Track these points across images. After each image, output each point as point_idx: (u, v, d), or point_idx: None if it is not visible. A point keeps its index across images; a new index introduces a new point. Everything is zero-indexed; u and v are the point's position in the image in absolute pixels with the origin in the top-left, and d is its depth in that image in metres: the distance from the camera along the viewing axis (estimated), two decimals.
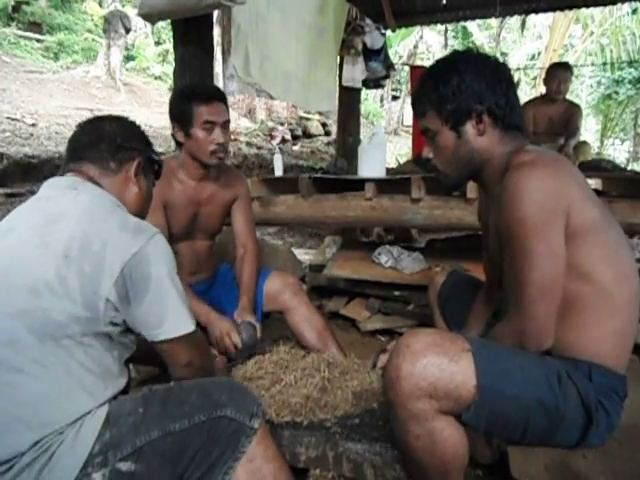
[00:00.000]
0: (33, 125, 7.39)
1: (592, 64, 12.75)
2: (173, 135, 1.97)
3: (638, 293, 1.23)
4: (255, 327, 1.95)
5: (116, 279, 1.08)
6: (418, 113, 1.37)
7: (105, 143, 1.27)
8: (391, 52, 6.86)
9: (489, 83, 1.26)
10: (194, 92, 1.92)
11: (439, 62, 1.38)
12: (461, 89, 1.26)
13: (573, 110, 4.17)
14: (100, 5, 14.37)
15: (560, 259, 1.14)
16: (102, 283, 1.07)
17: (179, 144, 1.98)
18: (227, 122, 1.95)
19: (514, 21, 12.50)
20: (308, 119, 11.33)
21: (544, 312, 1.15)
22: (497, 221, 1.27)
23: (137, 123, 1.40)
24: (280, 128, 10.38)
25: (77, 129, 1.32)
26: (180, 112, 1.92)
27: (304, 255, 4.32)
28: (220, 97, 1.95)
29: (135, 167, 1.30)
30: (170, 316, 1.16)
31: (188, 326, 1.19)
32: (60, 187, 1.21)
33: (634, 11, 11.70)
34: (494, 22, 11.65)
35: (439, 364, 1.11)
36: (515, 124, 1.31)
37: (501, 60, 1.36)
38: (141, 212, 1.35)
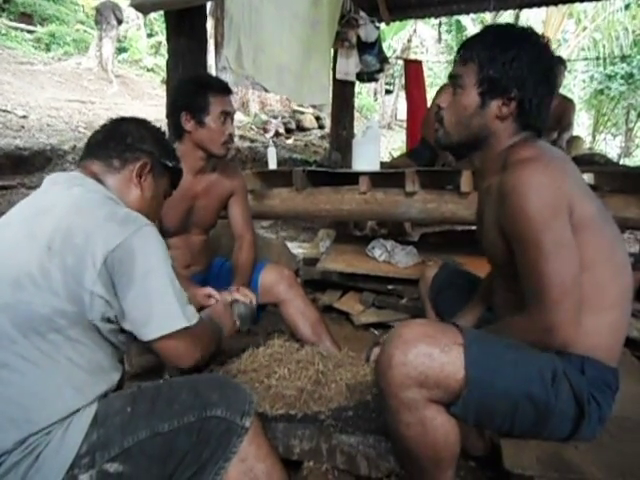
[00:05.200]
0: (24, 117, 7.32)
1: (585, 59, 12.79)
2: (175, 125, 1.96)
3: (631, 287, 1.24)
4: (248, 300, 1.86)
5: (99, 271, 1.05)
6: (461, 57, 1.31)
7: (115, 141, 1.27)
8: (385, 46, 6.84)
9: (538, 77, 1.23)
10: (209, 82, 2.00)
11: (512, 27, 1.31)
12: (512, 65, 1.21)
13: (566, 105, 4.18)
14: None
15: (573, 253, 1.13)
16: (86, 275, 1.04)
17: (180, 135, 1.96)
18: (234, 114, 2.02)
19: (508, 15, 12.48)
20: (302, 112, 11.28)
21: (569, 308, 1.14)
22: (498, 217, 1.25)
23: (161, 129, 1.38)
24: (274, 121, 10.33)
25: (98, 128, 1.32)
26: (193, 100, 1.93)
27: (298, 249, 4.32)
28: (230, 90, 2.02)
29: (138, 167, 1.27)
30: (159, 310, 1.11)
31: (180, 320, 1.13)
32: (58, 182, 1.20)
33: (627, 6, 11.74)
34: (488, 16, 11.62)
35: (430, 354, 1.11)
36: (535, 127, 1.29)
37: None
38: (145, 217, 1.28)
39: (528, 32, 1.28)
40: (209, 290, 1.86)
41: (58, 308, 1.04)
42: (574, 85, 14.73)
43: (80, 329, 1.07)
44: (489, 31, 1.30)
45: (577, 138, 4.41)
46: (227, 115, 1.96)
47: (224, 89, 1.98)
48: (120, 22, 11.65)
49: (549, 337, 1.16)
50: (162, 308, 1.12)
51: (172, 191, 1.46)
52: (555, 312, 1.14)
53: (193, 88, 1.96)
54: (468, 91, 1.28)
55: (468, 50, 1.29)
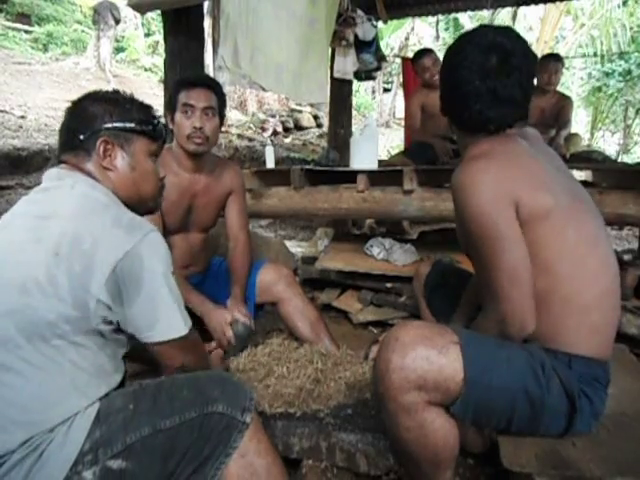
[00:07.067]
0: (22, 117, 7.32)
1: (583, 56, 12.78)
2: (166, 127, 1.96)
3: (612, 289, 1.22)
4: (248, 321, 1.94)
5: (107, 278, 1.05)
6: None
7: (72, 131, 1.20)
8: (382, 44, 6.85)
9: (457, 74, 1.25)
10: (183, 79, 1.99)
11: (464, 37, 1.32)
12: (449, 72, 1.30)
13: (564, 102, 4.18)
14: None
15: (518, 244, 1.14)
16: (93, 282, 1.04)
17: (172, 137, 1.96)
18: (210, 108, 1.91)
19: (505, 13, 12.47)
20: (299, 111, 11.28)
21: (518, 298, 1.14)
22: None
23: (117, 92, 1.27)
24: (271, 120, 10.34)
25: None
26: (169, 99, 1.97)
27: (296, 247, 4.32)
28: (206, 84, 1.95)
29: (100, 149, 1.18)
30: (162, 318, 1.13)
31: (181, 329, 1.16)
32: (56, 178, 1.18)
33: (624, 3, 11.74)
34: (486, 14, 11.61)
35: (428, 357, 1.11)
36: (476, 127, 1.28)
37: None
38: (135, 195, 1.25)
39: (464, 42, 1.28)
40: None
41: (63, 314, 1.04)
42: (572, 82, 14.72)
43: (83, 334, 1.07)
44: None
45: (575, 135, 4.41)
46: (192, 107, 1.88)
47: (193, 83, 1.91)
48: (118, 22, 11.65)
49: (505, 328, 1.18)
50: (166, 316, 1.14)
51: (162, 144, 1.33)
52: (504, 304, 1.15)
53: (171, 88, 1.98)
54: None
55: None
